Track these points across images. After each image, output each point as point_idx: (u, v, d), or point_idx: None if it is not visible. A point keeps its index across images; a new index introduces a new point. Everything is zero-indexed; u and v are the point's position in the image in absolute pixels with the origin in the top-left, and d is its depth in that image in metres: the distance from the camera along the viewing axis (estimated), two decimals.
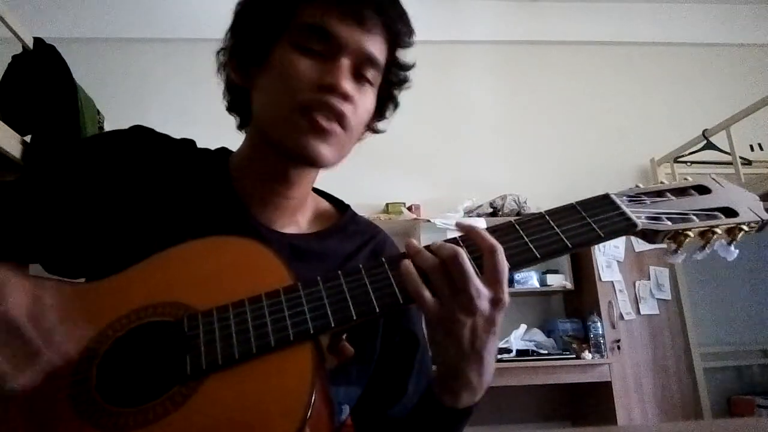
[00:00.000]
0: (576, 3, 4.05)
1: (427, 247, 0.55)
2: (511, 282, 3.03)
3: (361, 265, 0.56)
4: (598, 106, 3.89)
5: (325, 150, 0.63)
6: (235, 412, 0.47)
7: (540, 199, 3.01)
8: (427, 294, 0.52)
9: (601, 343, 3.02)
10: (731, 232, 0.59)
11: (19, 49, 2.16)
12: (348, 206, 0.81)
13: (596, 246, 3.20)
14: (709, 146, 3.28)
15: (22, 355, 0.47)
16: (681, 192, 0.63)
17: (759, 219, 0.60)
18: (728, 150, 3.12)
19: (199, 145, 0.76)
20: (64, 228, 0.65)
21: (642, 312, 3.17)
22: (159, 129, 0.73)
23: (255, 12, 0.69)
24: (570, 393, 3.26)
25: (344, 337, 0.56)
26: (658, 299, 3.22)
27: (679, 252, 0.59)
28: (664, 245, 0.60)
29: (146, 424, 0.46)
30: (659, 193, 0.63)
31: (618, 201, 0.60)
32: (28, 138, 2.04)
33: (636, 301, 3.19)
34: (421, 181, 3.50)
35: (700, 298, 3.51)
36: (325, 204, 0.80)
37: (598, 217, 0.58)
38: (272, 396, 0.47)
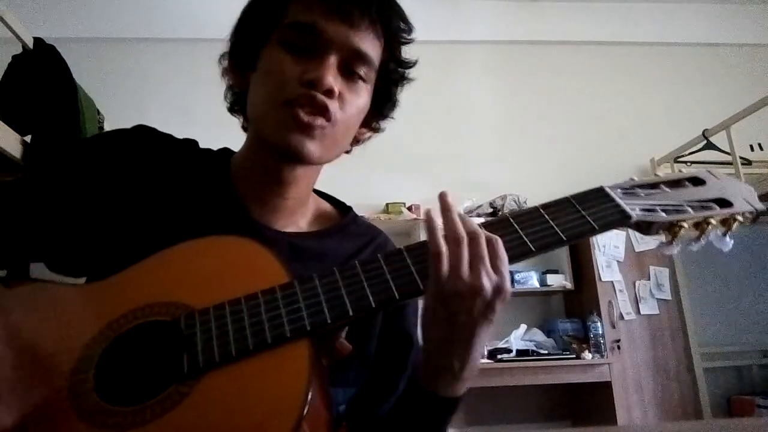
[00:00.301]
0: (576, 3, 4.06)
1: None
2: (511, 282, 2.97)
3: (357, 261, 0.55)
4: (598, 106, 3.89)
5: (309, 145, 0.63)
6: (233, 409, 0.46)
7: (540, 199, 2.89)
8: (445, 259, 0.52)
9: (601, 343, 3.02)
10: (726, 223, 0.59)
11: (19, 49, 2.16)
12: (350, 208, 0.80)
13: (596, 246, 3.20)
14: (709, 146, 3.27)
15: None
16: (676, 184, 0.63)
17: (753, 209, 0.60)
18: (728, 150, 3.11)
19: (200, 145, 0.76)
20: (65, 227, 0.65)
21: (642, 312, 3.17)
22: (159, 129, 0.73)
23: (249, 14, 0.69)
24: (570, 393, 3.26)
25: (342, 335, 0.56)
26: (658, 299, 3.21)
27: (674, 243, 0.59)
28: (662, 239, 0.60)
29: (144, 423, 0.46)
30: (654, 186, 0.63)
31: (612, 193, 0.60)
32: (28, 138, 2.03)
33: (636, 301, 3.18)
34: (421, 181, 3.48)
35: (700, 298, 3.50)
36: (326, 205, 0.80)
37: (592, 209, 0.58)
38: (269, 393, 0.47)
